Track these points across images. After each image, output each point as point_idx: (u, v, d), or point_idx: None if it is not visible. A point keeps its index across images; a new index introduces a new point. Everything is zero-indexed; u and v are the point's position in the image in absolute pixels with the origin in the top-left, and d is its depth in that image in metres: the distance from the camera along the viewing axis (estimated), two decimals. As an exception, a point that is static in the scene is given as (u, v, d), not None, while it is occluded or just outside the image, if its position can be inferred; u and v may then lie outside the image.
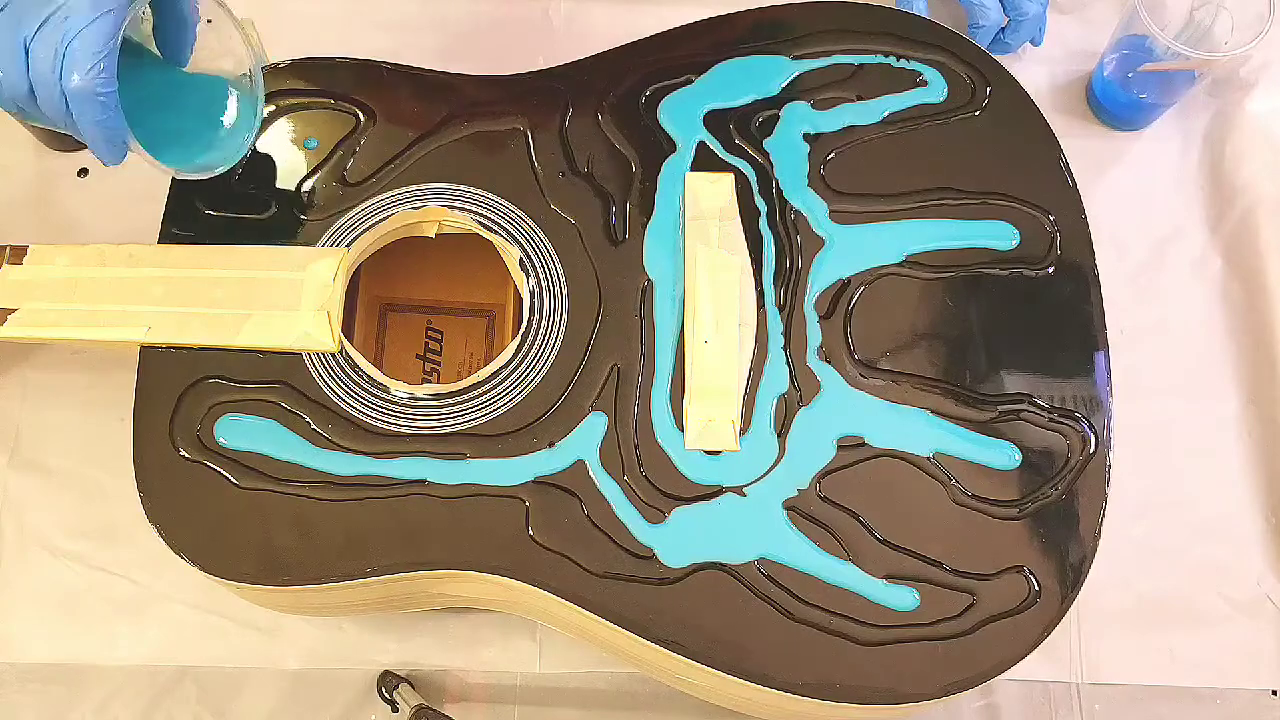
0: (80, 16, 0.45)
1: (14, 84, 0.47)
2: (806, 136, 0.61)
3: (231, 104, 0.56)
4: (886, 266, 0.59)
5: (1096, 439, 0.56)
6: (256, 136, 0.57)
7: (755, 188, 0.60)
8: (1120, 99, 0.73)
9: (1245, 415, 0.69)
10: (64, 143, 0.72)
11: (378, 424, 0.55)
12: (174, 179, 0.59)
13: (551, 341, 0.57)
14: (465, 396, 0.56)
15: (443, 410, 0.56)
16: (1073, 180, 0.61)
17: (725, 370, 0.56)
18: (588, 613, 0.52)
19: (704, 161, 0.61)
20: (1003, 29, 0.72)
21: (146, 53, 0.54)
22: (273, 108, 0.61)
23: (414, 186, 0.60)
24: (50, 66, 0.46)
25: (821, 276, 0.59)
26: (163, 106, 0.53)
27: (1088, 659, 0.64)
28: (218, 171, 0.55)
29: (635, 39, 0.64)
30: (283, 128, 0.61)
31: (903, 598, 0.53)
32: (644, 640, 0.52)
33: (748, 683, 0.51)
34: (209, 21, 0.53)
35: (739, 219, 0.59)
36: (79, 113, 0.47)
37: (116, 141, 0.48)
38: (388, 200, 0.59)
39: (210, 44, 0.54)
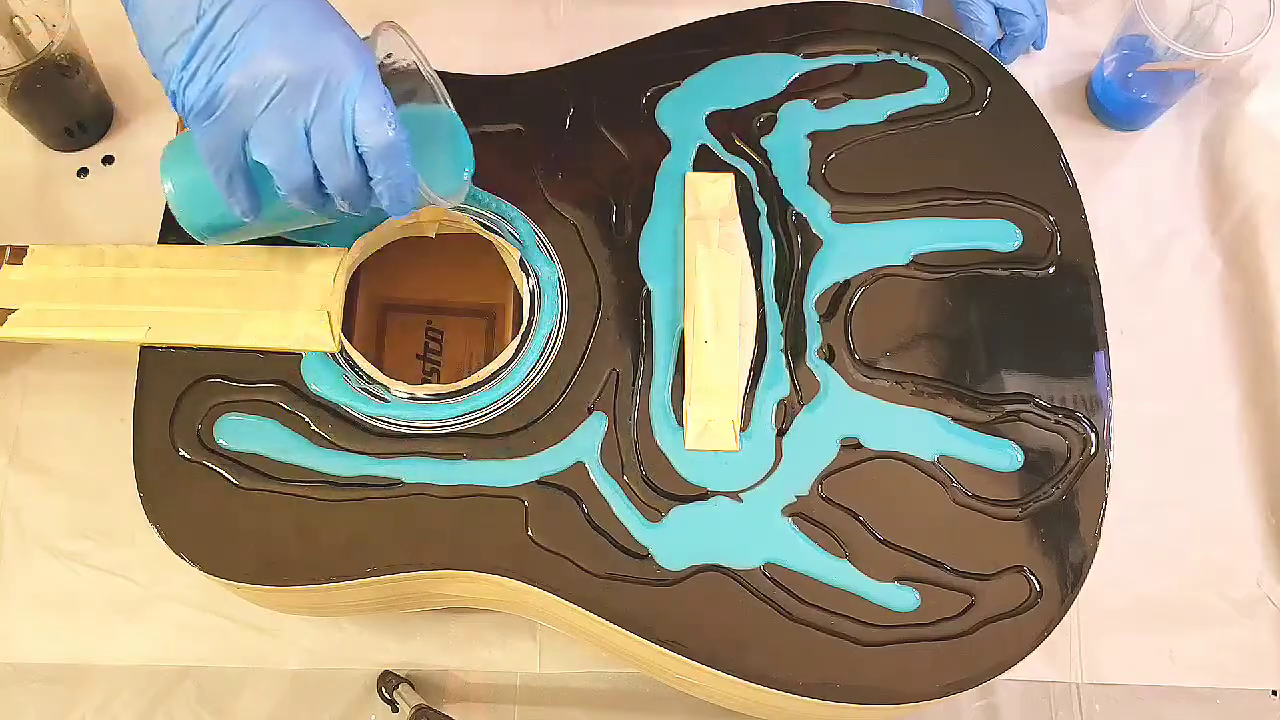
0: (351, 79, 0.45)
1: (295, 173, 0.46)
2: (808, 136, 0.61)
3: (432, 120, 0.53)
4: (888, 267, 0.59)
5: (1097, 439, 0.56)
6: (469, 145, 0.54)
7: (755, 188, 0.60)
8: (1120, 99, 0.73)
9: (1245, 415, 0.69)
10: (64, 143, 0.72)
11: (378, 424, 0.55)
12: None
13: (551, 341, 0.57)
14: (465, 397, 0.56)
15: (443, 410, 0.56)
16: (1073, 180, 0.61)
17: (725, 370, 0.56)
18: (588, 613, 0.52)
19: (704, 161, 0.61)
20: (999, 41, 0.72)
21: None
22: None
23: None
24: (339, 139, 0.45)
25: (822, 276, 0.59)
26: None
27: (1088, 659, 0.64)
28: (468, 187, 0.54)
29: (635, 39, 0.64)
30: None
31: (903, 598, 0.53)
32: (644, 640, 0.52)
33: (748, 683, 0.51)
34: (389, 56, 0.51)
35: (739, 219, 0.59)
36: (384, 170, 0.46)
37: (414, 187, 0.48)
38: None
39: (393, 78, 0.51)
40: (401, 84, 0.51)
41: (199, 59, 0.45)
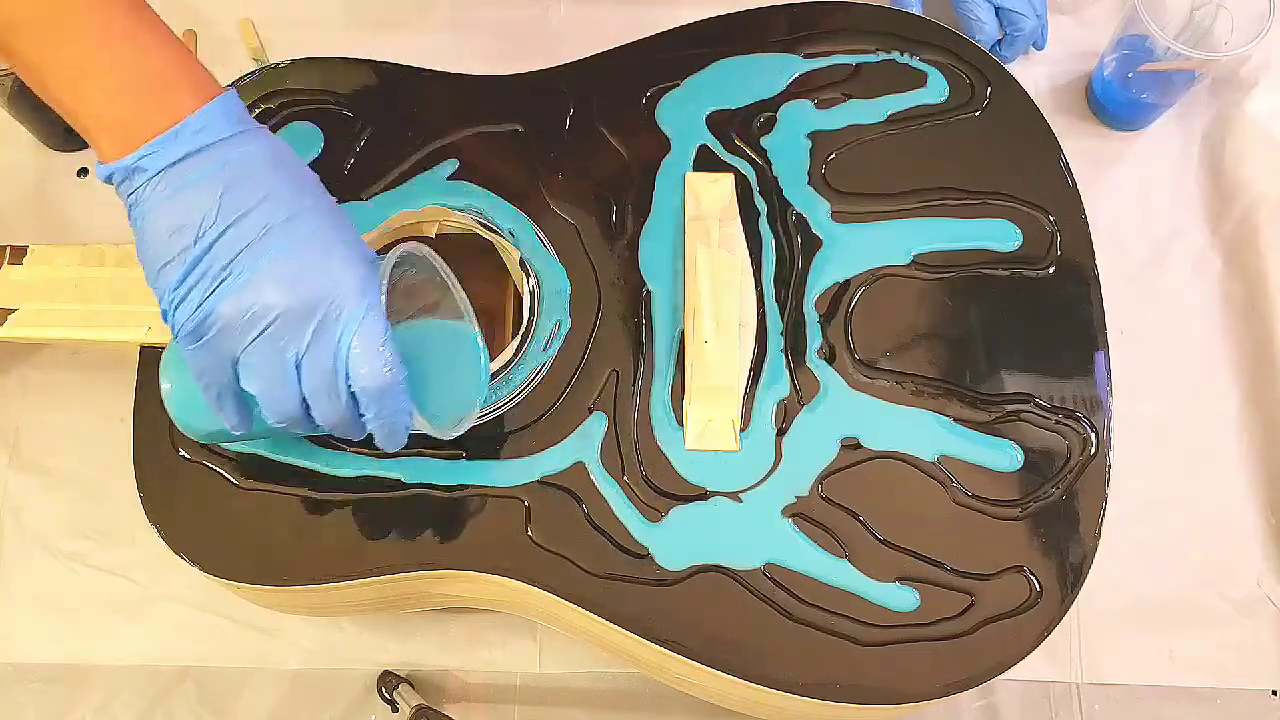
0: (349, 313, 0.42)
1: (282, 404, 0.44)
2: (808, 135, 0.61)
3: (452, 341, 0.51)
4: (888, 267, 0.59)
5: (1097, 439, 0.56)
6: (487, 371, 0.51)
7: (755, 188, 0.60)
8: (1120, 99, 0.73)
9: (1245, 415, 0.69)
10: (64, 142, 0.72)
11: (378, 424, 0.55)
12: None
13: (551, 341, 0.57)
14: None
15: (443, 410, 0.56)
16: (1073, 180, 0.61)
17: (725, 370, 0.56)
18: (588, 613, 0.52)
19: (704, 161, 0.61)
20: (999, 41, 0.72)
21: None
22: (272, 108, 0.61)
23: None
24: (331, 377, 0.43)
25: (822, 276, 0.59)
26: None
27: (1088, 659, 0.64)
28: (476, 415, 0.50)
29: (635, 39, 0.64)
30: (283, 129, 0.61)
31: (903, 598, 0.53)
32: (644, 640, 0.52)
33: (748, 683, 0.51)
34: (413, 270, 0.49)
35: (739, 219, 0.59)
36: (375, 409, 0.44)
37: (407, 424, 0.45)
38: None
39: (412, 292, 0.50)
40: (424, 298, 0.50)
41: (192, 281, 0.42)
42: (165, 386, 0.50)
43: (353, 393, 0.43)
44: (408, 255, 0.47)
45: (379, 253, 0.46)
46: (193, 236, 0.42)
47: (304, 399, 0.44)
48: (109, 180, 0.44)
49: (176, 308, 0.43)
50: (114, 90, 0.43)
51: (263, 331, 0.42)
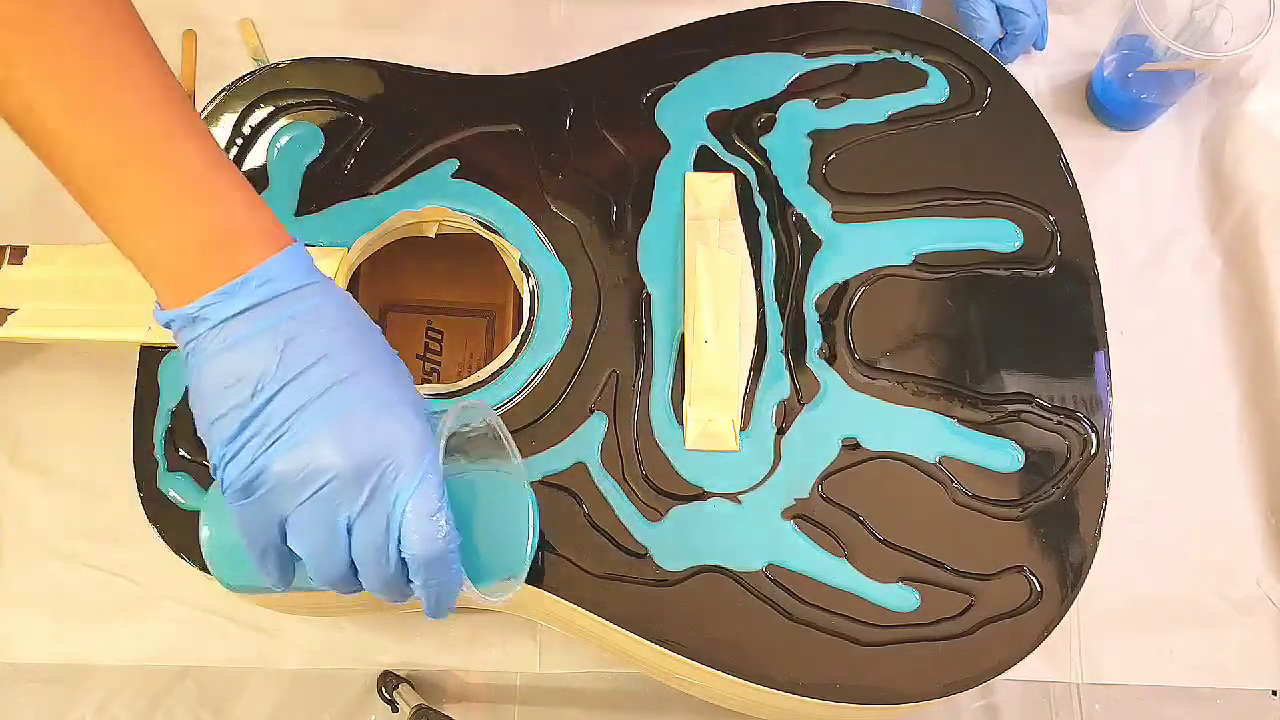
0: (406, 477, 0.40)
1: (329, 567, 0.42)
2: (808, 135, 0.61)
3: (502, 496, 0.50)
4: (888, 267, 0.59)
5: (1097, 439, 0.56)
6: (537, 531, 0.50)
7: (755, 188, 0.60)
8: (1120, 99, 0.73)
9: (1245, 415, 0.69)
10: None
11: (378, 424, 0.55)
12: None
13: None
14: (465, 396, 0.56)
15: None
16: (1073, 180, 0.61)
17: (725, 371, 0.56)
18: (588, 613, 0.52)
19: (704, 161, 0.61)
20: (999, 40, 0.72)
21: None
22: (272, 108, 0.61)
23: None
24: (383, 542, 0.41)
25: (822, 276, 0.59)
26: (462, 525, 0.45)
27: (1088, 659, 0.64)
28: (522, 579, 0.49)
29: (635, 39, 0.64)
30: (283, 128, 0.61)
31: (903, 598, 0.53)
32: (644, 640, 0.52)
33: (748, 683, 0.51)
34: (465, 426, 0.48)
35: (739, 219, 0.59)
36: (424, 577, 0.41)
37: (456, 592, 0.43)
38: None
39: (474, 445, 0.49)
40: (478, 449, 0.49)
41: (246, 437, 0.40)
42: (204, 533, 0.47)
43: (403, 558, 0.42)
44: (465, 409, 0.46)
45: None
46: (250, 391, 0.40)
47: (352, 562, 0.42)
48: (168, 325, 0.42)
49: (228, 463, 0.41)
50: (179, 241, 0.42)
51: (316, 492, 0.40)
